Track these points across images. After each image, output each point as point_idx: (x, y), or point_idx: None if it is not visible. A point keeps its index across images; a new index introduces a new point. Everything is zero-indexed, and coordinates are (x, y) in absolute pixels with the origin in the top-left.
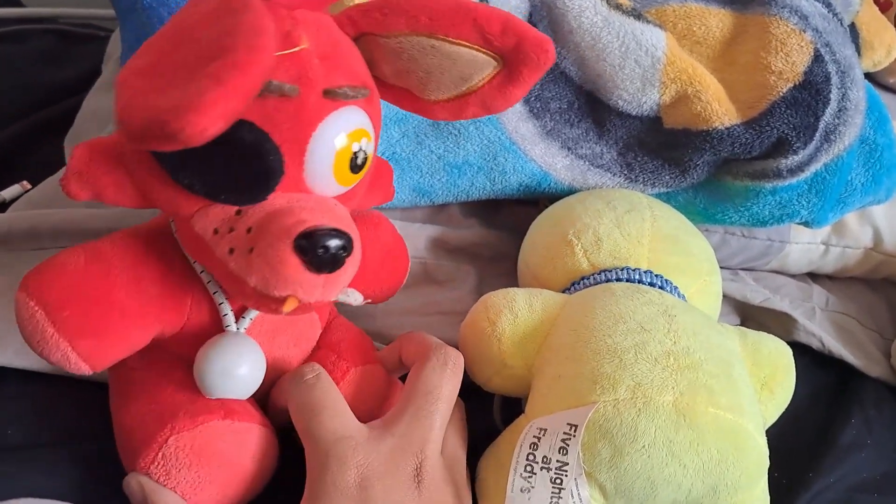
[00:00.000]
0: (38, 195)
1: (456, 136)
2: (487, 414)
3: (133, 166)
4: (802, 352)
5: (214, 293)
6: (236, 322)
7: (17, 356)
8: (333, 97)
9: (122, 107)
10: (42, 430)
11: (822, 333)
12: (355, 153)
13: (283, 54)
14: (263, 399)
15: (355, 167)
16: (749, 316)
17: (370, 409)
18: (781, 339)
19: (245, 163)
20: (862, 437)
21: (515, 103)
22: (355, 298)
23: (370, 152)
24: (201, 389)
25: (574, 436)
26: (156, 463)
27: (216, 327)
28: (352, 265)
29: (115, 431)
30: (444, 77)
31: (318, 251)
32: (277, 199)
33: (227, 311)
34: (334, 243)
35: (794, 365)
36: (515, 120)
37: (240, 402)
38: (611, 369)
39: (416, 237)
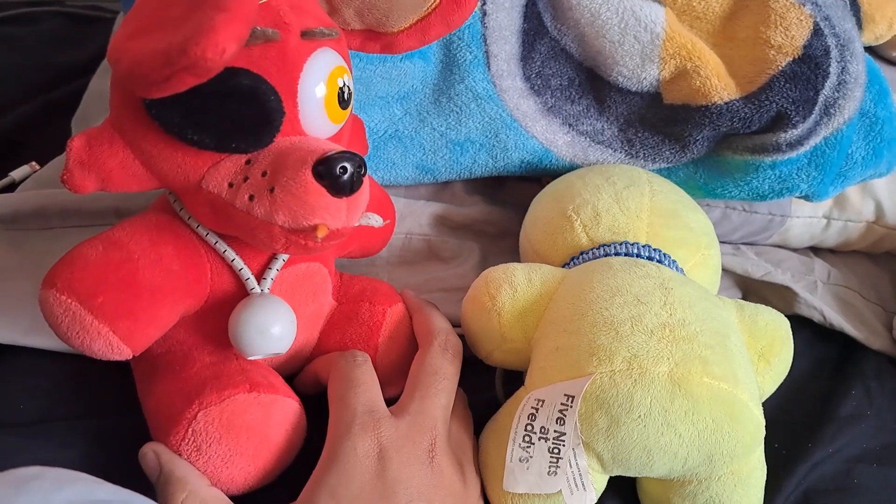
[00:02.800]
0: (46, 175)
1: (458, 113)
2: (490, 388)
3: (135, 140)
4: (803, 325)
5: (233, 260)
6: (258, 283)
7: (26, 335)
8: (311, 37)
9: (131, 60)
10: (55, 406)
11: (823, 306)
12: (341, 88)
13: (260, 3)
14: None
15: (343, 102)
16: (750, 290)
17: (410, 343)
18: (782, 312)
19: (248, 107)
20: (862, 409)
21: (472, 12)
22: (376, 220)
23: (352, 87)
24: (240, 351)
25: (571, 406)
26: (186, 440)
27: (240, 293)
28: (367, 186)
29: (145, 415)
30: (404, 2)
31: (336, 172)
32: (281, 142)
33: (249, 274)
34: (350, 164)
35: (791, 336)
36: (516, 97)
37: (265, 374)
38: (607, 341)
39: (420, 214)
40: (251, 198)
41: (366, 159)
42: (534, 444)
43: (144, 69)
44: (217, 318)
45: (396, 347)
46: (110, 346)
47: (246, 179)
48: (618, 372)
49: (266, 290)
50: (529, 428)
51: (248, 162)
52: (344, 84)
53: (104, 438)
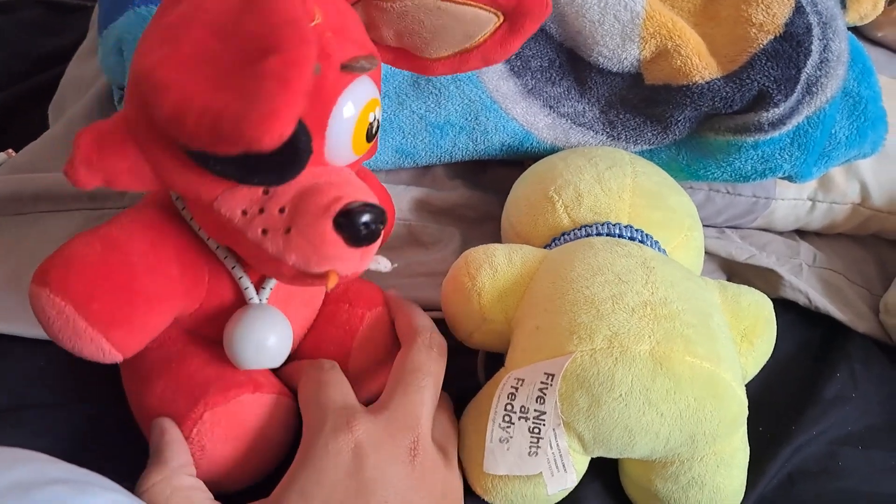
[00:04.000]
0: (20, 161)
1: (437, 95)
2: (473, 375)
3: (150, 151)
4: (789, 308)
5: (233, 268)
6: (257, 294)
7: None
8: (350, 70)
9: (177, 105)
10: (30, 394)
11: (808, 289)
12: (371, 123)
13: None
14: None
15: (370, 136)
16: (735, 273)
17: (384, 349)
18: (767, 295)
19: (280, 148)
20: (847, 391)
21: (512, 53)
22: (385, 265)
23: (380, 119)
24: (234, 362)
25: (551, 385)
26: (191, 439)
27: (237, 300)
28: (381, 234)
29: (137, 413)
30: (447, 36)
31: (358, 227)
32: (303, 175)
33: (248, 284)
34: (371, 217)
35: (774, 317)
36: (496, 79)
37: (264, 373)
38: (588, 319)
39: (401, 199)
40: (265, 232)
41: None
42: (514, 423)
43: (189, 127)
44: (212, 323)
45: (371, 351)
46: (101, 351)
47: (262, 211)
48: (598, 350)
49: (264, 301)
50: (509, 407)
51: (266, 192)
52: (374, 118)
53: (76, 427)
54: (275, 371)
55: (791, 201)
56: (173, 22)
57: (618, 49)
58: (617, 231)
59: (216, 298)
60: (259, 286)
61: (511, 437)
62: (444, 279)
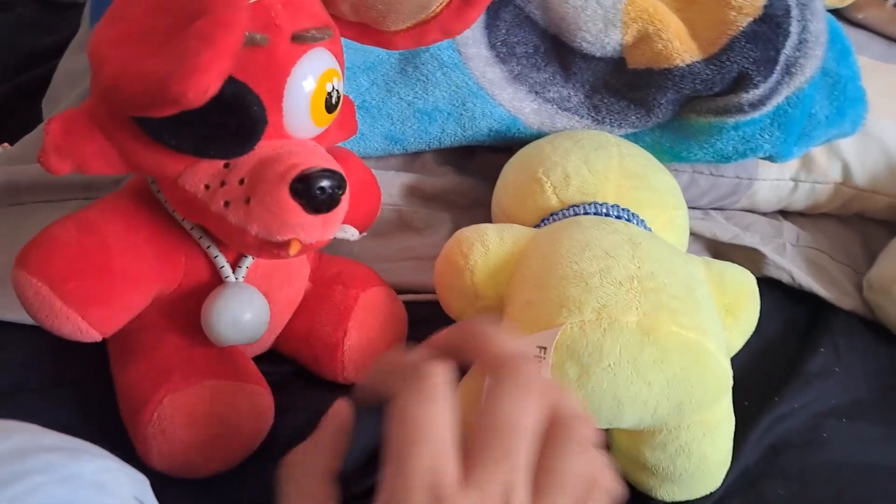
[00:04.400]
0: (15, 153)
1: (424, 82)
2: None
3: (113, 133)
4: (775, 287)
5: (208, 247)
6: (233, 272)
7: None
8: (302, 41)
9: (114, 75)
10: (26, 377)
11: (792, 267)
12: (329, 93)
13: (251, 3)
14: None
15: (331, 106)
16: (720, 253)
17: (381, 327)
18: (752, 274)
19: (230, 116)
20: (830, 366)
21: (473, 24)
22: (352, 234)
23: (342, 91)
24: (212, 340)
25: (544, 357)
26: (152, 423)
27: (214, 280)
28: (345, 202)
29: (117, 394)
30: (402, 8)
31: (314, 192)
32: (262, 147)
33: (224, 262)
34: (329, 183)
35: (757, 293)
36: (482, 65)
37: (234, 361)
38: (577, 293)
39: (391, 185)
40: (227, 204)
41: None
42: None
43: (124, 94)
44: (189, 303)
45: (366, 333)
46: (79, 330)
47: (223, 184)
48: (587, 322)
49: (241, 279)
50: None
51: (226, 165)
52: (333, 88)
53: (74, 407)
54: (265, 351)
55: (773, 182)
56: (119, 4)
57: (601, 34)
58: (604, 210)
59: (193, 279)
60: (235, 265)
61: None
62: (433, 260)
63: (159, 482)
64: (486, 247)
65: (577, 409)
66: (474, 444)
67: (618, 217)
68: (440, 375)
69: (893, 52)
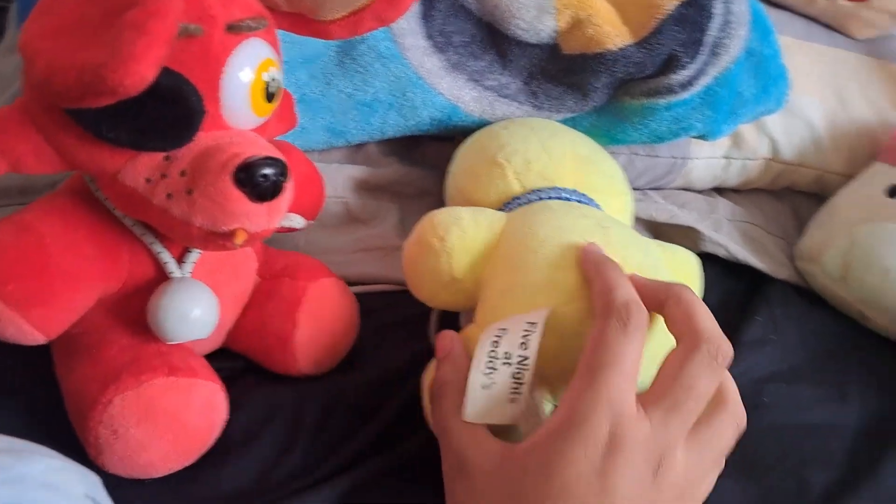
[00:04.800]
0: None
1: (363, 74)
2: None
3: (49, 129)
4: (713, 262)
5: (151, 243)
6: (179, 267)
7: None
8: (237, 31)
9: (47, 67)
10: None
11: (728, 242)
12: (267, 83)
13: None
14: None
15: (269, 96)
16: (659, 232)
17: (332, 317)
18: (690, 250)
19: (167, 107)
20: (767, 334)
21: (406, 11)
22: (298, 222)
23: (280, 80)
24: (160, 337)
25: (534, 332)
26: (103, 423)
27: (159, 276)
28: (289, 190)
29: (65, 398)
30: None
31: (258, 180)
32: (202, 138)
33: (168, 258)
34: (272, 171)
35: (701, 271)
36: (420, 55)
37: (184, 357)
38: (561, 276)
39: (335, 177)
40: (169, 196)
41: None
42: (497, 369)
43: (58, 85)
44: (136, 302)
45: (317, 324)
46: (22, 332)
47: (164, 177)
48: (573, 302)
49: (187, 274)
50: (493, 354)
51: (166, 158)
52: (271, 78)
53: (22, 414)
54: (215, 349)
55: (707, 160)
56: None
57: (534, 21)
58: (565, 195)
59: (138, 276)
60: (181, 260)
61: (494, 383)
62: (384, 255)
63: (115, 483)
64: (463, 229)
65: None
66: (656, 389)
67: (579, 202)
68: (644, 321)
69: (812, 30)
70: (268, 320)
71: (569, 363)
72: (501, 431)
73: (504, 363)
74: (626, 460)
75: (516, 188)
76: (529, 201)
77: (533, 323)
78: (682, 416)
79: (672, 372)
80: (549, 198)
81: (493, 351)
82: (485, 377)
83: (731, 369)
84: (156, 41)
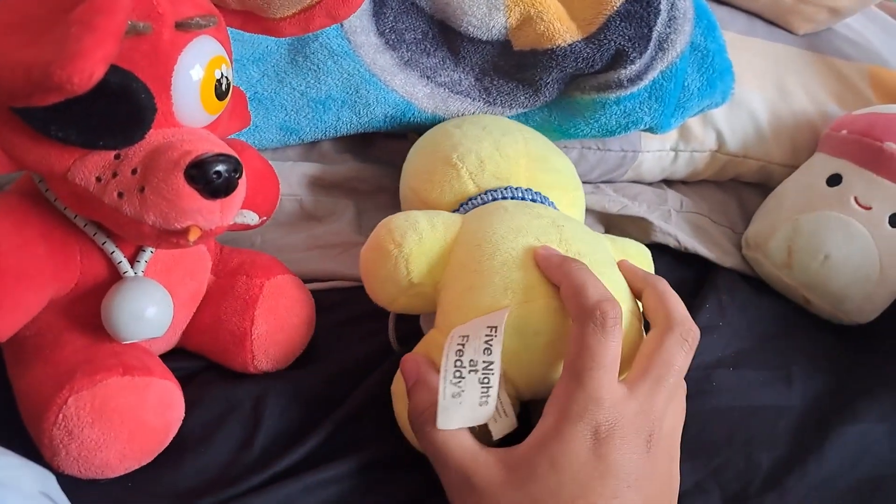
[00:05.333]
0: None
1: (315, 71)
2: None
3: None
4: (664, 252)
5: (104, 243)
6: (132, 266)
7: None
8: (186, 29)
9: None
10: None
11: (678, 232)
12: (218, 80)
13: None
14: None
15: (221, 94)
16: (611, 224)
17: (289, 314)
18: (641, 241)
19: (117, 104)
20: (715, 320)
21: (358, 8)
22: (252, 218)
23: (231, 78)
24: (114, 337)
25: (496, 336)
26: (57, 424)
27: (112, 276)
28: (242, 186)
29: (17, 401)
30: None
31: (210, 177)
32: (154, 136)
33: (121, 257)
34: (224, 167)
35: (653, 264)
36: (373, 52)
37: (139, 356)
38: (519, 276)
39: (290, 175)
40: (120, 195)
41: None
42: (464, 377)
43: (5, 83)
44: (89, 302)
45: (274, 320)
46: None
47: (115, 175)
48: (531, 302)
49: (140, 273)
50: (459, 363)
51: (117, 157)
52: (222, 75)
53: None
54: (170, 349)
55: (656, 153)
56: None
57: (485, 18)
58: (520, 194)
59: (91, 276)
60: (133, 259)
61: (463, 391)
62: (340, 252)
63: (72, 485)
64: (420, 234)
65: None
66: (638, 368)
67: (533, 200)
68: (618, 315)
69: (754, 26)
70: (224, 318)
71: (530, 360)
72: (471, 431)
73: (471, 371)
74: (622, 440)
75: (471, 189)
76: (484, 202)
77: (494, 327)
78: (665, 389)
79: (651, 352)
80: (504, 197)
81: (458, 360)
82: (454, 386)
83: None
84: (104, 38)
